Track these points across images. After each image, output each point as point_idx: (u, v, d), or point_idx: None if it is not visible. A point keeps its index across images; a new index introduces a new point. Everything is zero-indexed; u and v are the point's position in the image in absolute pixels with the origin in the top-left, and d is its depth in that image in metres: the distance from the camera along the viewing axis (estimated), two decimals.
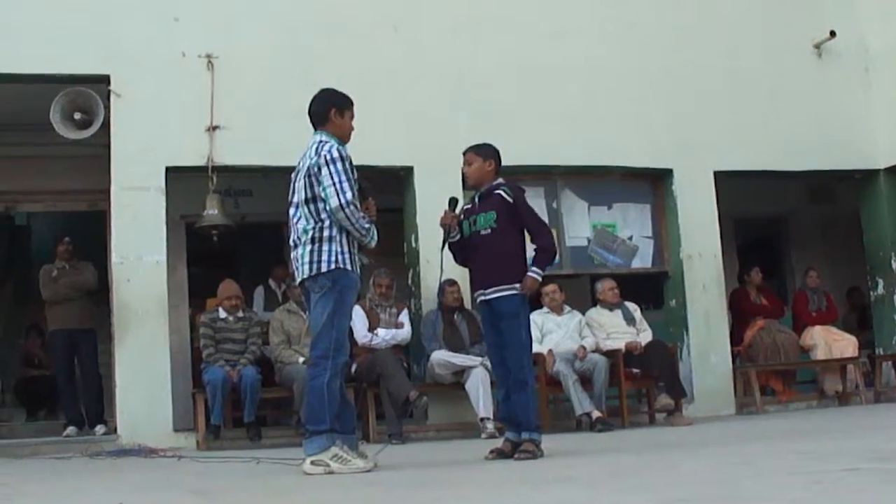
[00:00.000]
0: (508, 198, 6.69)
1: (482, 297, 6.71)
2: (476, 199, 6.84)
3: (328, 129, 6.23)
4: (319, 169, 6.03)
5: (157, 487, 5.87)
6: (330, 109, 6.25)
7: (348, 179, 5.99)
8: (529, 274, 6.61)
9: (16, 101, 10.22)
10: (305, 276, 6.10)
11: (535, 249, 6.76)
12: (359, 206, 6.05)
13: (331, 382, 5.93)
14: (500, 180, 6.84)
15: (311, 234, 6.08)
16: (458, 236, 6.82)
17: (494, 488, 4.92)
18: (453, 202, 6.87)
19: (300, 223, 6.15)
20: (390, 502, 4.47)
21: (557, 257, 10.08)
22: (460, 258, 6.97)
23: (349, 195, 5.96)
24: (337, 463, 5.86)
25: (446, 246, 6.86)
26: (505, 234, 6.64)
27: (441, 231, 6.82)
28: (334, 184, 5.97)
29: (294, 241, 6.19)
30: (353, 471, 5.83)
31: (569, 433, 9.30)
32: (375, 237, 6.18)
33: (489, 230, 6.67)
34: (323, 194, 6.03)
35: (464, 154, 6.91)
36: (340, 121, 6.26)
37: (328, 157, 6.02)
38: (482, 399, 9.34)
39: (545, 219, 8.61)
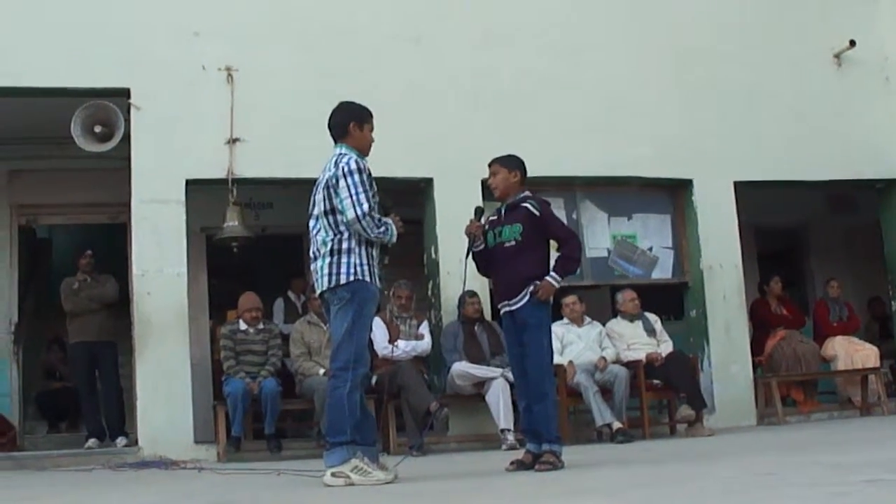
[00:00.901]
0: (535, 211, 6.69)
1: (506, 308, 6.70)
2: (502, 211, 6.83)
3: (348, 142, 6.26)
4: (337, 181, 6.07)
5: (178, 499, 5.88)
6: (349, 122, 6.28)
7: (365, 191, 6.02)
8: (547, 279, 6.57)
9: (37, 115, 10.28)
10: (325, 288, 6.13)
11: (559, 256, 6.72)
12: (375, 217, 6.07)
13: (351, 394, 5.95)
14: (527, 192, 6.83)
15: (329, 246, 6.11)
16: (483, 246, 6.81)
17: (515, 500, 4.92)
18: (479, 212, 6.89)
19: (319, 235, 6.18)
20: None
21: (578, 269, 10.11)
22: (483, 269, 6.98)
23: (365, 207, 5.99)
24: (357, 475, 5.86)
25: (470, 256, 6.87)
26: (530, 246, 6.63)
27: (466, 240, 6.83)
28: (351, 196, 6.00)
29: (314, 252, 6.23)
30: (373, 483, 5.83)
31: (589, 444, 9.28)
32: (395, 233, 6.19)
33: (514, 242, 6.66)
34: (340, 206, 6.06)
35: (489, 165, 6.91)
36: (360, 133, 6.29)
37: (346, 170, 6.06)
38: (503, 410, 9.33)
39: None
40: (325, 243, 6.14)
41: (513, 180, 6.81)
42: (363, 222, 6.00)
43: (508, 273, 6.69)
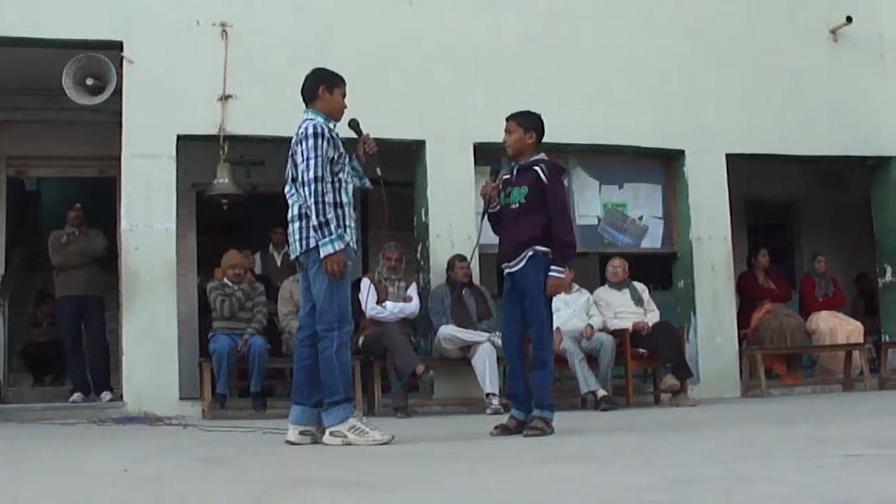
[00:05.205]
0: (544, 177, 6.57)
1: (507, 270, 6.67)
2: (514, 172, 6.75)
3: (317, 106, 6.31)
4: (297, 146, 6.14)
5: (163, 455, 5.89)
6: (319, 86, 6.32)
7: (316, 157, 6.04)
8: (551, 274, 6.48)
9: (28, 66, 10.21)
10: (298, 253, 6.20)
11: (554, 243, 6.55)
12: (328, 180, 6.05)
13: (339, 352, 6.04)
14: (542, 155, 6.73)
15: (298, 210, 6.17)
16: (498, 207, 6.76)
17: (501, 464, 4.94)
18: (494, 172, 6.84)
19: (291, 199, 6.27)
20: (396, 476, 4.48)
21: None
22: (495, 229, 6.89)
23: (311, 173, 6.01)
24: (354, 434, 5.97)
25: (486, 217, 6.84)
26: (533, 210, 6.55)
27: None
28: (306, 160, 6.04)
29: (290, 217, 6.24)
30: (369, 443, 5.92)
31: (573, 411, 9.30)
32: (335, 240, 6.02)
33: (517, 205, 6.61)
34: (295, 172, 6.16)
35: (506, 120, 6.78)
36: (329, 97, 6.32)
37: (301, 135, 6.14)
38: (488, 375, 9.36)
39: None
40: (292, 207, 6.22)
41: (528, 141, 6.71)
42: (307, 188, 6.01)
43: (510, 235, 6.66)
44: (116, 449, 6.39)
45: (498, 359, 9.30)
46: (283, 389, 10.61)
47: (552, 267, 6.51)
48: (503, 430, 6.55)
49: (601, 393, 9.42)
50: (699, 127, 11.11)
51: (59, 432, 7.77)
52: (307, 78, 6.40)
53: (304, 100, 6.36)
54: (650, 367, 10.62)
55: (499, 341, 8.90)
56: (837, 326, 11.70)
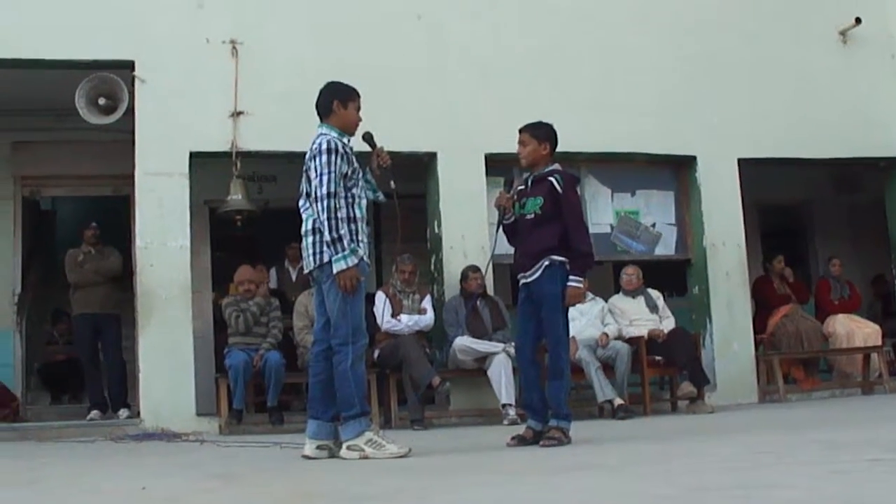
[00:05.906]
0: (558, 187, 6.57)
1: (523, 280, 6.67)
2: (529, 182, 6.75)
3: (331, 121, 6.29)
4: (310, 162, 6.14)
5: (180, 471, 5.90)
6: (333, 101, 6.31)
7: (329, 173, 6.01)
8: (569, 285, 6.48)
9: (41, 87, 10.27)
10: (312, 267, 6.20)
11: (572, 255, 6.54)
12: (341, 196, 6.05)
13: (354, 366, 6.03)
14: (556, 166, 6.73)
15: (312, 224, 6.17)
16: (513, 218, 6.77)
17: (517, 475, 4.93)
18: (508, 183, 6.84)
19: (305, 214, 6.28)
20: (413, 488, 4.48)
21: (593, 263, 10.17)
22: (510, 240, 6.89)
23: (324, 189, 5.99)
24: (371, 448, 5.96)
25: (500, 228, 6.84)
26: (548, 220, 6.54)
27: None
28: (319, 176, 6.03)
29: (303, 231, 6.26)
30: (386, 456, 5.91)
31: (590, 420, 9.30)
32: (348, 256, 6.00)
33: (533, 215, 6.60)
34: (309, 188, 6.16)
35: (519, 132, 6.77)
36: (344, 112, 6.30)
37: (315, 150, 6.13)
38: (504, 385, 9.35)
39: None
40: (306, 222, 6.23)
41: (542, 153, 6.70)
42: (320, 204, 6.00)
43: (526, 245, 6.65)
44: (134, 466, 6.41)
45: (514, 369, 9.28)
46: (299, 404, 10.60)
47: (571, 277, 6.50)
48: (520, 441, 6.54)
49: (618, 401, 9.41)
50: (710, 132, 11.10)
51: (77, 450, 7.80)
52: (321, 92, 6.39)
53: (318, 114, 6.35)
54: (666, 374, 10.59)
55: (514, 351, 8.90)
56: (854, 329, 11.66)
